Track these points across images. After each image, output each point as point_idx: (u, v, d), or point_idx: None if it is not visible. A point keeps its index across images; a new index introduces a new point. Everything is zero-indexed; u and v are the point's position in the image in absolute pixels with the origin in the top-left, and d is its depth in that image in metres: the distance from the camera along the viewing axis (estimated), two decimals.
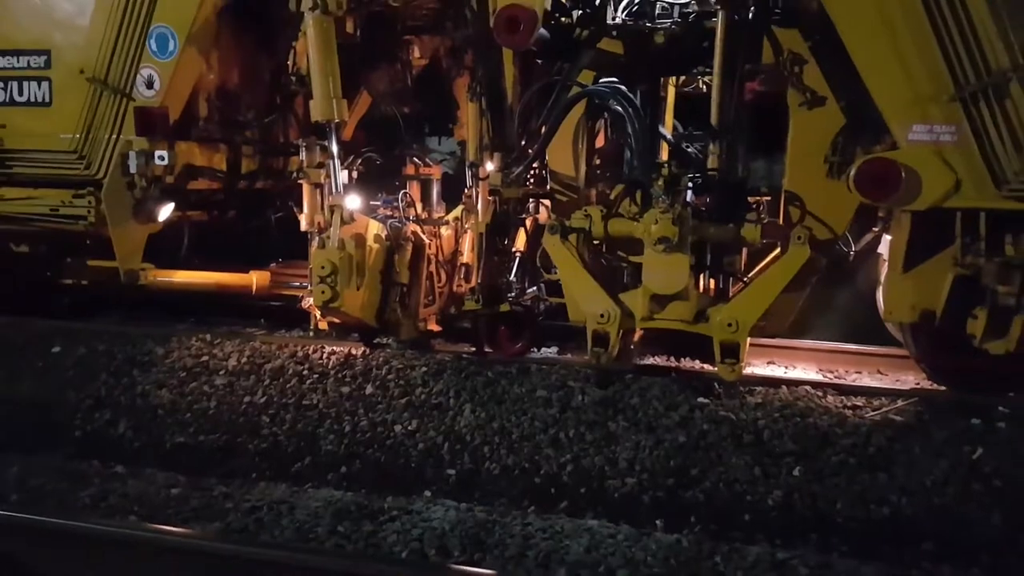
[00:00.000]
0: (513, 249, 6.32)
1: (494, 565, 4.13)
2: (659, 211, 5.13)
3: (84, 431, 5.58)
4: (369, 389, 5.49)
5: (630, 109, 5.43)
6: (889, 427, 4.85)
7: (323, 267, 5.60)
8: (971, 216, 5.02)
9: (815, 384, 5.56)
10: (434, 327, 6.44)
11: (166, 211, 6.35)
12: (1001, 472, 4.48)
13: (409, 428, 5.20)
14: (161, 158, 6.12)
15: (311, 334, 6.61)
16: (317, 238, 5.86)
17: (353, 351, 5.92)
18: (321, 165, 5.95)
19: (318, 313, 6.04)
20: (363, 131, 7.52)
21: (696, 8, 5.70)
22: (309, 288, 5.79)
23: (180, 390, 5.69)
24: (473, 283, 6.24)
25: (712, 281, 5.76)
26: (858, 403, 5.17)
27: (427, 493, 4.89)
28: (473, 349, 6.25)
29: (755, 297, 5.33)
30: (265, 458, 5.25)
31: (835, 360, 6.63)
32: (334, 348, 5.95)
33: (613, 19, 5.93)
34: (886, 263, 5.53)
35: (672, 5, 5.79)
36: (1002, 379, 5.45)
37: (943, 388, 5.73)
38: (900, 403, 5.15)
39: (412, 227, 6.22)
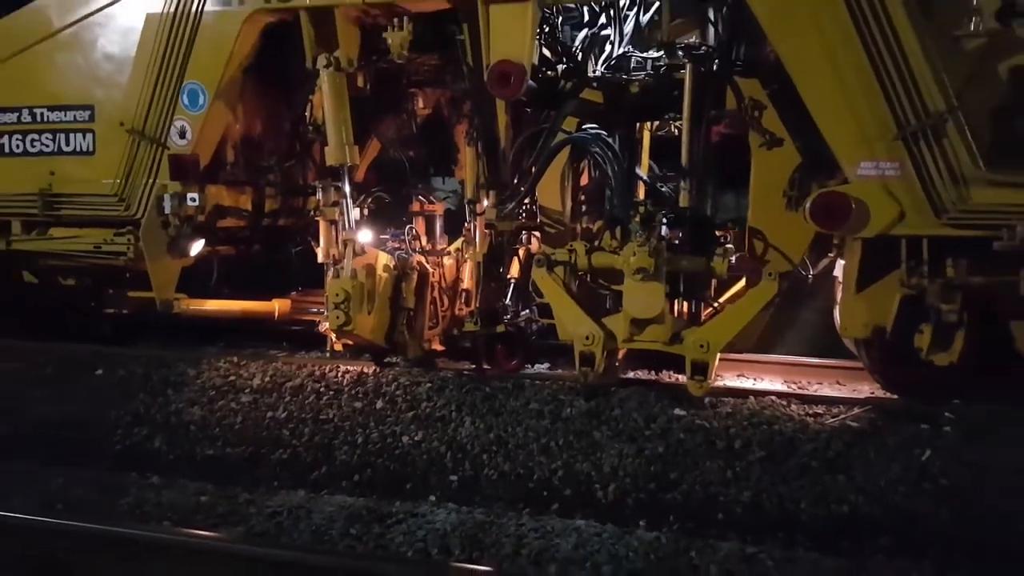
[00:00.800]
0: (508, 276, 6.34)
1: (491, 562, 4.11)
2: (637, 244, 5.17)
3: (123, 445, 5.55)
4: (379, 404, 5.45)
5: (609, 153, 5.47)
6: (847, 433, 4.84)
7: (338, 295, 5.62)
8: (915, 242, 5.03)
9: (780, 394, 5.54)
10: (438, 347, 6.41)
11: (197, 247, 6.36)
12: (947, 472, 4.48)
13: (415, 439, 5.17)
14: (193, 200, 6.12)
15: (328, 355, 6.58)
16: (332, 269, 5.89)
17: (365, 369, 5.89)
18: (336, 204, 5.99)
19: (333, 336, 6.04)
20: (374, 173, 7.52)
21: (666, 61, 5.74)
22: (325, 313, 5.78)
23: (210, 407, 5.66)
24: (472, 307, 6.24)
25: (685, 305, 5.77)
26: (819, 411, 5.16)
27: (431, 498, 4.86)
28: (473, 366, 6.23)
29: (726, 323, 5.38)
30: (285, 468, 5.22)
31: (799, 372, 6.59)
32: (348, 367, 5.92)
33: (594, 72, 5.99)
34: (841, 285, 5.54)
35: (645, 59, 5.85)
36: (947, 388, 5.43)
37: (894, 397, 5.72)
38: (856, 411, 5.13)
39: (417, 258, 6.22)
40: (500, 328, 6.06)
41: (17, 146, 6.56)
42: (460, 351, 6.45)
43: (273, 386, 5.74)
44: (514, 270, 6.29)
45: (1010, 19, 4.84)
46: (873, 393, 5.92)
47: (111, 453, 5.51)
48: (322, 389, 5.65)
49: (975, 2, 4.78)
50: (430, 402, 5.41)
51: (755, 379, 6.60)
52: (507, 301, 6.22)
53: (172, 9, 5.93)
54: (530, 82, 5.62)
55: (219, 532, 4.42)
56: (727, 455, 4.74)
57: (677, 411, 5.09)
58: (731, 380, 6.52)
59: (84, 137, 6.41)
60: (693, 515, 4.51)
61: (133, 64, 6.15)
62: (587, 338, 5.37)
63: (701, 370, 5.23)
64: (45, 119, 6.48)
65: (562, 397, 5.31)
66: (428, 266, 6.29)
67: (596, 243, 5.61)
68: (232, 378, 5.88)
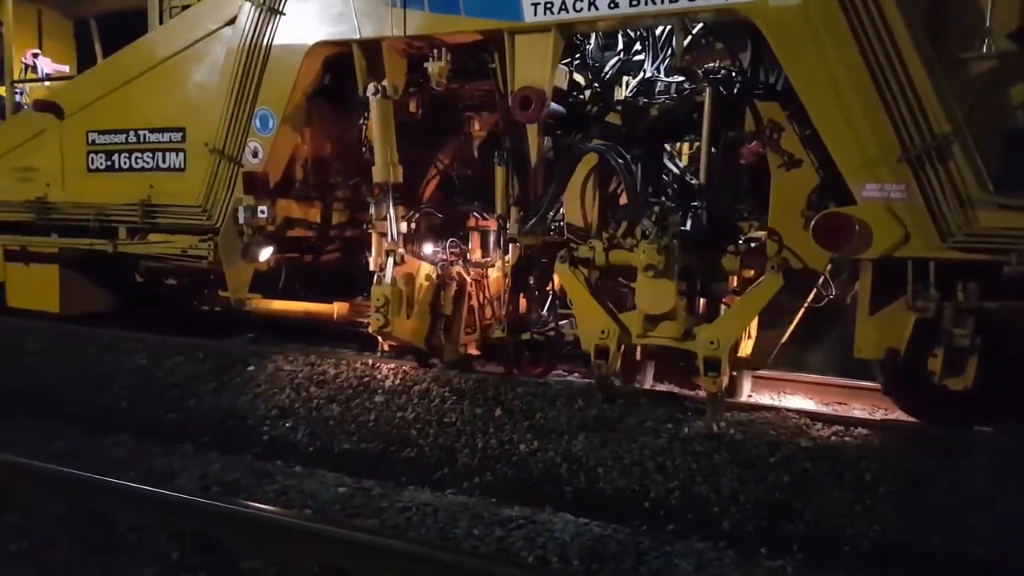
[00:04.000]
0: (547, 288, 6.37)
1: None
2: (647, 242, 5.11)
3: (270, 436, 5.72)
4: (498, 412, 5.40)
5: (621, 162, 5.40)
6: (987, 470, 4.40)
7: (378, 299, 5.85)
8: (922, 265, 4.75)
9: (916, 426, 5.18)
10: (474, 351, 6.53)
11: (266, 253, 6.67)
12: None
13: (531, 447, 5.08)
14: (263, 212, 6.45)
15: (379, 355, 6.82)
16: (377, 276, 6.13)
17: (486, 378, 5.85)
18: (385, 218, 6.23)
19: (380, 337, 6.26)
20: (440, 191, 7.68)
21: (688, 85, 5.65)
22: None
23: (347, 405, 5.77)
24: (501, 315, 6.33)
25: (702, 303, 5.62)
26: (955, 447, 4.67)
27: (548, 507, 4.74)
28: (503, 370, 6.32)
29: (734, 319, 5.20)
30: (413, 466, 5.26)
31: None
32: (470, 376, 5.89)
33: (624, 97, 5.96)
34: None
35: (669, 83, 5.78)
36: (962, 412, 5.10)
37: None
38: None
39: (457, 268, 6.37)
40: (526, 336, 6.11)
41: (125, 163, 7.14)
42: (496, 355, 6.53)
43: (403, 388, 5.81)
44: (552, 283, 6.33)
45: None
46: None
47: (260, 442, 5.71)
48: (446, 394, 5.68)
49: (987, 23, 4.48)
50: (544, 414, 5.30)
51: (886, 411, 6.28)
52: (542, 311, 6.27)
53: (247, 44, 6.33)
54: (557, 106, 5.68)
55: (356, 523, 4.46)
56: (855, 487, 4.41)
57: (803, 442, 4.80)
58: (859, 411, 6.23)
59: (177, 156, 6.88)
60: (817, 546, 4.22)
61: (215, 92, 6.57)
62: (602, 332, 5.34)
63: (714, 367, 5.08)
64: (147, 140, 7.01)
65: (679, 416, 5.12)
66: (467, 276, 6.41)
67: (615, 242, 5.51)
68: (367, 379, 6.00)
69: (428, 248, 6.51)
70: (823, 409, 6.42)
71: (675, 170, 6.02)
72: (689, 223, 5.44)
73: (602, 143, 5.60)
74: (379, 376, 5.99)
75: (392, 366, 6.12)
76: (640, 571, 3.99)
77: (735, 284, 5.57)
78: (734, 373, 6.07)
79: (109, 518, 4.34)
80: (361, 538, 3.98)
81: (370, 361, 6.30)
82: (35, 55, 8.45)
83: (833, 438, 4.87)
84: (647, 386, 6.25)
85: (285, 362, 6.35)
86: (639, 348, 5.77)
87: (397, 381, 5.90)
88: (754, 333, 5.61)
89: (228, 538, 4.11)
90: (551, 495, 4.81)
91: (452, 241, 6.49)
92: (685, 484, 4.62)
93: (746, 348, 5.64)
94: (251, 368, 6.37)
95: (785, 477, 4.51)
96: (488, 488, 4.97)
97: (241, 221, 6.49)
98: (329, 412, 5.74)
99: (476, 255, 6.70)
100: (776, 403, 6.42)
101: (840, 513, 4.28)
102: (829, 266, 5.45)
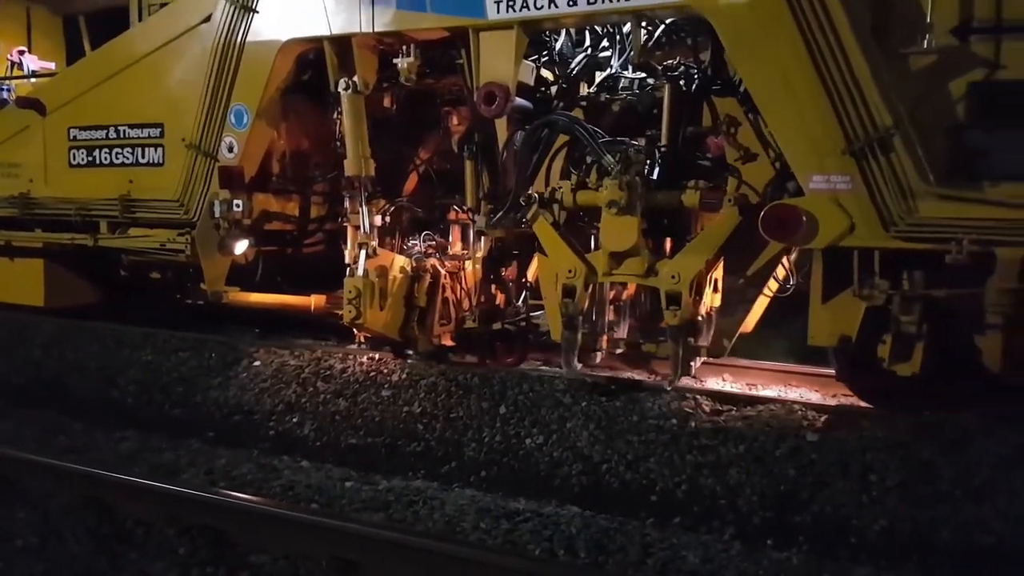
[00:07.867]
0: (523, 280, 6.72)
1: (617, 569, 4.13)
2: (610, 179, 5.39)
3: (277, 431, 5.95)
4: (503, 409, 5.57)
5: (576, 126, 5.73)
6: (993, 459, 4.51)
7: (351, 291, 6.14)
8: (868, 254, 5.08)
9: (917, 417, 5.28)
10: (448, 342, 6.85)
11: (241, 246, 7.01)
12: None
13: (537, 442, 5.26)
14: (238, 205, 6.79)
15: (358, 346, 7.16)
16: (349, 268, 6.48)
17: (490, 373, 6.03)
18: (358, 211, 6.59)
19: (355, 328, 6.61)
20: (420, 185, 7.98)
21: (648, 82, 6.00)
22: None
23: (353, 399, 5.97)
24: (473, 306, 6.68)
25: (669, 243, 5.93)
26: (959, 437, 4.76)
27: (555, 500, 4.93)
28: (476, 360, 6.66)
29: (694, 253, 5.48)
30: (420, 460, 5.46)
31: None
32: (476, 371, 6.07)
33: (587, 93, 6.32)
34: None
35: (632, 80, 6.13)
36: (913, 398, 5.42)
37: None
38: None
39: (431, 261, 6.71)
40: (498, 326, 6.46)
41: (105, 158, 7.53)
42: (468, 346, 6.85)
43: (410, 383, 5.98)
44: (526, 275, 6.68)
45: (967, 35, 4.85)
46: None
47: (267, 437, 5.94)
48: (453, 388, 5.84)
49: (928, 19, 4.81)
50: (549, 410, 5.48)
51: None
52: (517, 302, 6.62)
53: (222, 40, 6.69)
54: (523, 101, 6.04)
55: (363, 516, 4.66)
56: (861, 479, 4.55)
57: (809, 436, 4.93)
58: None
59: (156, 151, 7.24)
60: (824, 538, 4.37)
61: (191, 87, 6.92)
62: (569, 272, 5.60)
63: (675, 301, 5.36)
64: (127, 135, 7.38)
65: (688, 411, 5.26)
66: (442, 269, 6.74)
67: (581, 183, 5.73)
68: (373, 373, 6.19)
69: (411, 241, 6.86)
70: (829, 401, 6.68)
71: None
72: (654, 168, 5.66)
73: (561, 114, 5.90)
74: (386, 371, 6.21)
75: (399, 361, 6.38)
76: (647, 564, 4.13)
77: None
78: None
79: (116, 513, 4.54)
80: (368, 532, 4.14)
81: (377, 356, 6.56)
82: (21, 52, 8.86)
83: (839, 430, 4.98)
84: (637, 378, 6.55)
85: (291, 357, 6.60)
86: (606, 338, 6.09)
87: (404, 376, 6.07)
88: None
89: (235, 533, 4.27)
90: (558, 488, 4.99)
91: (427, 234, 6.84)
92: (691, 477, 4.79)
93: (714, 300, 5.92)
94: (257, 363, 6.63)
95: (791, 469, 4.66)
96: (495, 482, 5.20)
97: (217, 215, 6.84)
98: (336, 407, 5.97)
99: (456, 248, 7.06)
100: (781, 395, 6.64)
101: (846, 504, 4.43)
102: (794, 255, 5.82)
